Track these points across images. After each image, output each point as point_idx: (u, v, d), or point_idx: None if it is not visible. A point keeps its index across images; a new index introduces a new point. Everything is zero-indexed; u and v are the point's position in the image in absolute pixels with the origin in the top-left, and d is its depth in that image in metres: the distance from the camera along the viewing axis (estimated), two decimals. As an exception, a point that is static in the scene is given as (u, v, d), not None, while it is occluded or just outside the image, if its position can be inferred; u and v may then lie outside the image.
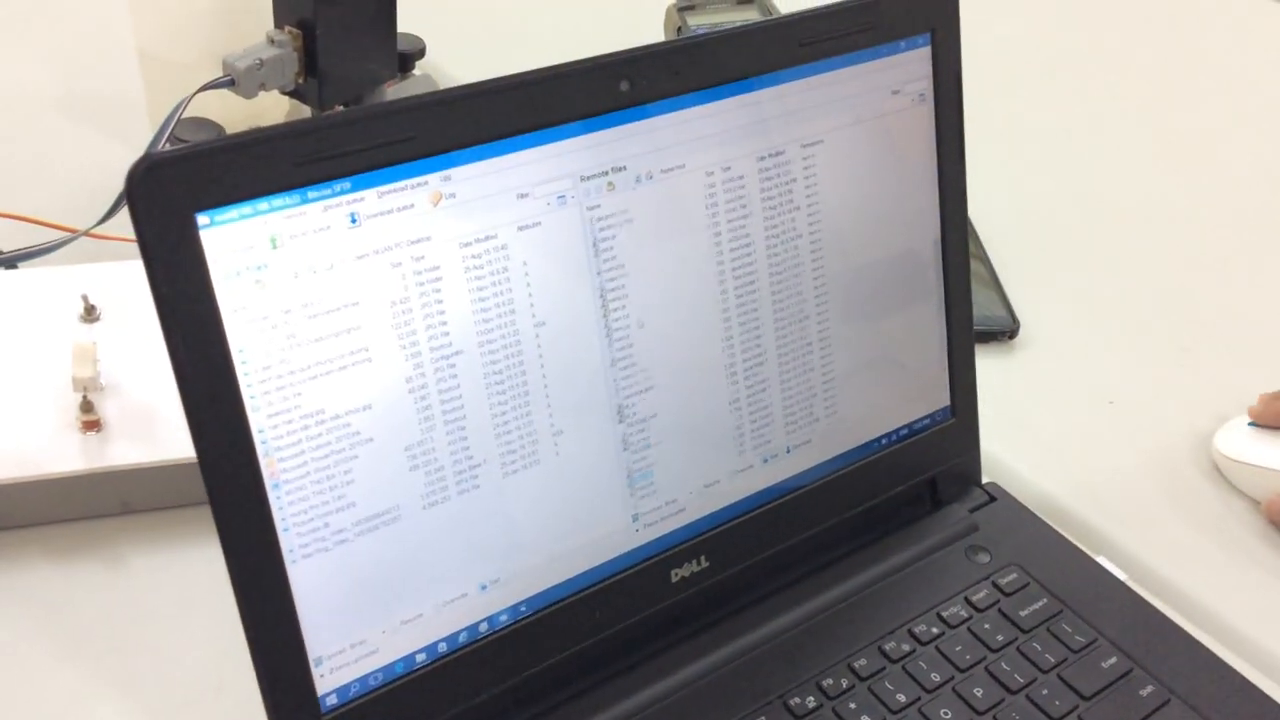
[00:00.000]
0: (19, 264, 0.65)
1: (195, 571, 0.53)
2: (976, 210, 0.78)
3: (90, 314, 0.59)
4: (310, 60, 0.70)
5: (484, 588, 0.45)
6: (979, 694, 0.48)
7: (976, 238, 0.77)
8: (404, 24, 0.76)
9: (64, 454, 0.54)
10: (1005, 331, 0.70)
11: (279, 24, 0.70)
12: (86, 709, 0.48)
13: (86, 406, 0.54)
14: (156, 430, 0.55)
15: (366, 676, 0.43)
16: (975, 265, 0.74)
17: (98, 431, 0.55)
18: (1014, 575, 0.53)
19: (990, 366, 0.68)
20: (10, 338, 0.58)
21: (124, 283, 0.61)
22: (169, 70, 0.74)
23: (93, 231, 0.64)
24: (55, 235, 0.65)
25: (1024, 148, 0.89)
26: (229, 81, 0.67)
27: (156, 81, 0.76)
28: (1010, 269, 0.74)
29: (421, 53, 0.79)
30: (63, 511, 0.54)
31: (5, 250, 0.65)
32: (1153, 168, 0.87)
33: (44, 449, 0.54)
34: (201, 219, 0.36)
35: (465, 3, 0.95)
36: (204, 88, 0.66)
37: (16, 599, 0.52)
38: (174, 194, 0.36)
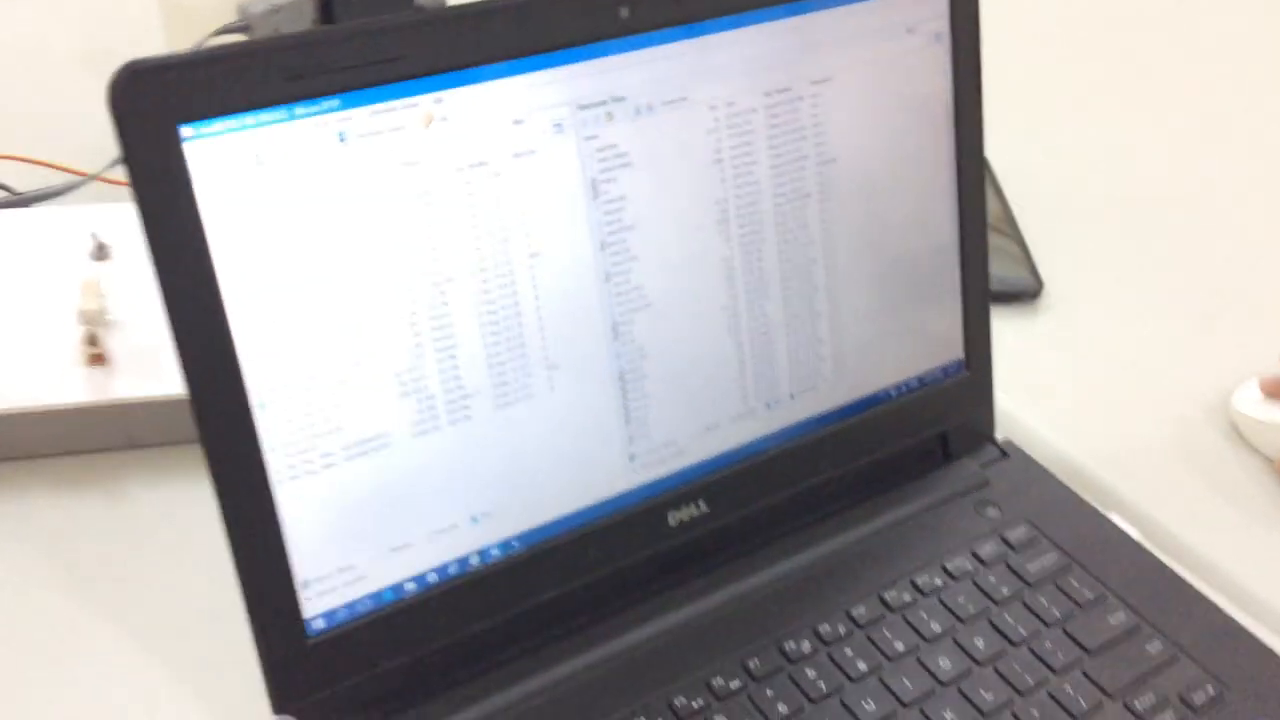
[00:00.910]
0: (33, 205, 0.65)
1: (197, 506, 0.53)
2: (1004, 168, 0.77)
3: (101, 252, 0.60)
4: (325, 6, 0.69)
5: (475, 520, 0.44)
6: (980, 644, 0.47)
7: (1003, 196, 0.75)
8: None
9: (68, 386, 0.54)
10: (1028, 292, 0.69)
11: (298, -30, 0.70)
12: (82, 637, 0.48)
13: (92, 340, 0.55)
14: (162, 365, 0.55)
15: (354, 603, 0.43)
16: (1000, 224, 0.73)
17: (103, 365, 0.55)
18: (1023, 530, 0.52)
19: (1012, 327, 0.66)
20: (22, 273, 0.58)
21: (135, 223, 0.61)
22: (189, 18, 0.74)
23: (103, 175, 0.64)
24: (70, 179, 0.65)
25: (1057, 105, 0.87)
26: (244, 27, 0.67)
27: (176, 29, 0.76)
28: (1036, 229, 0.72)
29: (442, 5, 0.78)
30: (67, 444, 0.55)
31: (21, 192, 0.66)
32: (1186, 131, 0.85)
33: (49, 381, 0.54)
34: (186, 130, 0.36)
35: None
36: (218, 32, 0.66)
37: (19, 529, 0.52)
38: (158, 104, 0.35)
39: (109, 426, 0.55)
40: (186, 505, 0.54)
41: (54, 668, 0.47)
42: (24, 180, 0.66)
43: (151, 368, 0.55)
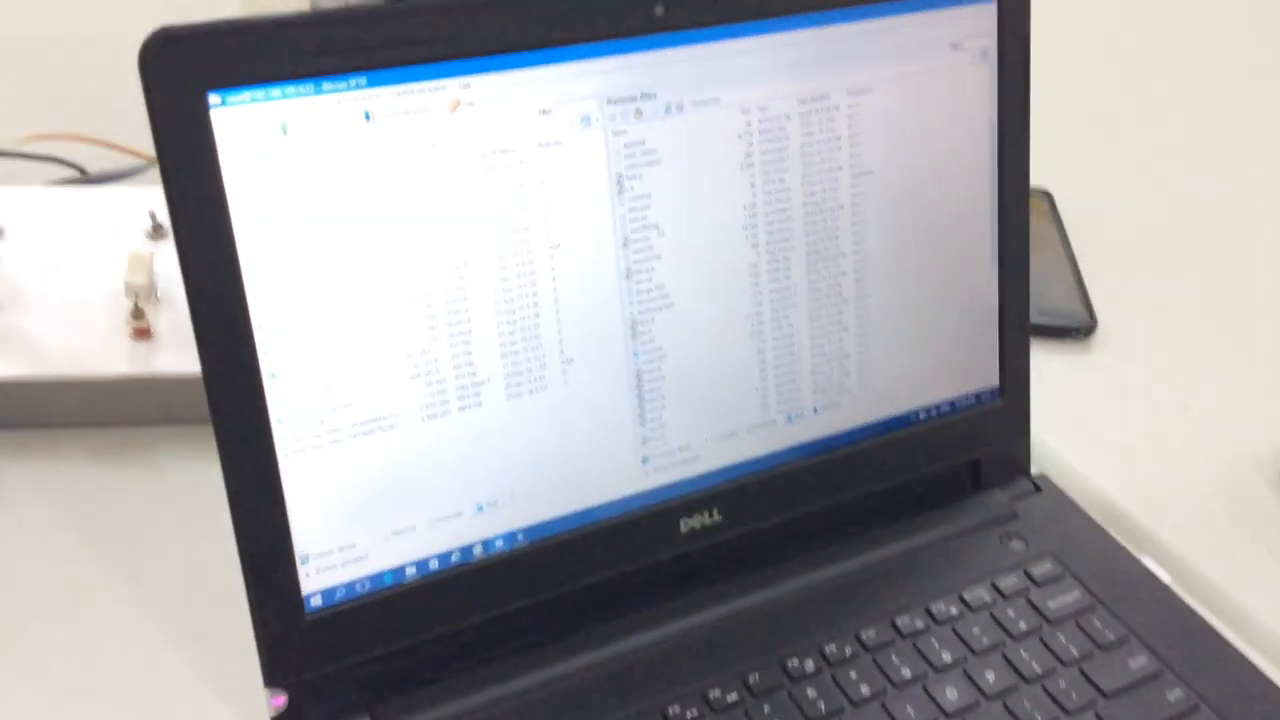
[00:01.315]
0: (101, 184, 0.68)
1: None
2: (1065, 197, 0.75)
3: (157, 231, 0.61)
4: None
5: (480, 509, 0.44)
6: (990, 678, 0.46)
7: (1061, 227, 0.74)
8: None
9: (111, 356, 0.55)
10: (1081, 328, 0.67)
11: (371, -28, 0.72)
12: (97, 601, 0.49)
13: (138, 314, 0.56)
14: (202, 343, 0.56)
15: (354, 582, 0.43)
16: (1056, 256, 0.71)
17: (148, 339, 0.56)
18: (1048, 566, 0.51)
19: (1062, 361, 0.65)
20: (80, 247, 0.60)
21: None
22: (268, 8, 0.76)
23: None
24: (137, 162, 0.67)
25: (1126, 134, 0.85)
26: (316, 22, 0.69)
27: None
28: (1094, 263, 0.70)
29: None
30: (106, 414, 0.56)
31: (90, 172, 0.68)
32: (1253, 168, 0.82)
33: (93, 350, 0.55)
34: (213, 98, 0.37)
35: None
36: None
37: (54, 495, 0.54)
38: (187, 70, 0.36)
39: (147, 400, 0.56)
40: (217, 482, 0.54)
41: (64, 625, 0.48)
42: (94, 161, 0.69)
43: (194, 345, 0.56)
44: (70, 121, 0.70)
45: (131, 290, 0.56)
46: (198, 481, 0.55)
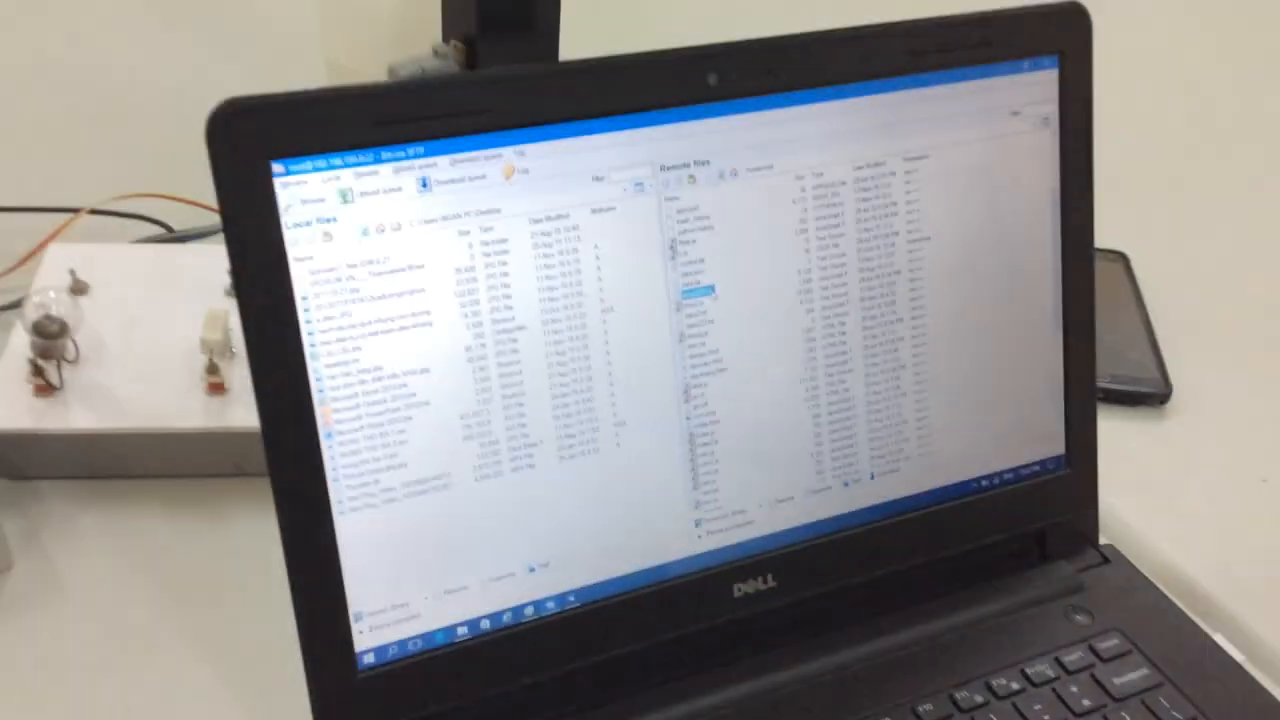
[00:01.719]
0: (187, 241, 0.70)
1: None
2: (1139, 259, 0.74)
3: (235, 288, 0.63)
4: (470, 68, 0.72)
5: (533, 570, 0.44)
6: (1049, 756, 0.45)
7: (1138, 292, 0.72)
8: (572, 53, 0.78)
9: (186, 411, 0.57)
10: (1156, 395, 0.65)
11: (446, 38, 0.74)
12: (164, 650, 0.50)
13: (212, 369, 0.58)
14: (272, 399, 0.57)
15: (406, 640, 0.43)
16: (1131, 319, 0.70)
17: (221, 394, 0.58)
18: (1115, 641, 0.49)
19: (1135, 429, 0.64)
20: (161, 303, 0.62)
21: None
22: (350, 78, 0.79)
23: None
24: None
25: (1202, 196, 0.84)
26: (393, 87, 0.71)
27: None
28: (1169, 326, 0.69)
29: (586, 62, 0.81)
30: (179, 467, 0.58)
31: (176, 229, 0.70)
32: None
33: (169, 404, 0.57)
34: (276, 167, 0.38)
35: (637, 34, 0.97)
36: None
37: (128, 543, 0.55)
38: (253, 139, 0.38)
39: (218, 453, 0.57)
40: (281, 534, 0.56)
41: (128, 671, 0.49)
42: (180, 218, 0.71)
43: (263, 400, 0.58)
44: (158, 180, 0.72)
45: (207, 346, 0.57)
46: (264, 533, 0.56)
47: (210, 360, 0.58)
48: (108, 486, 0.57)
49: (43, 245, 0.66)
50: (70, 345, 0.57)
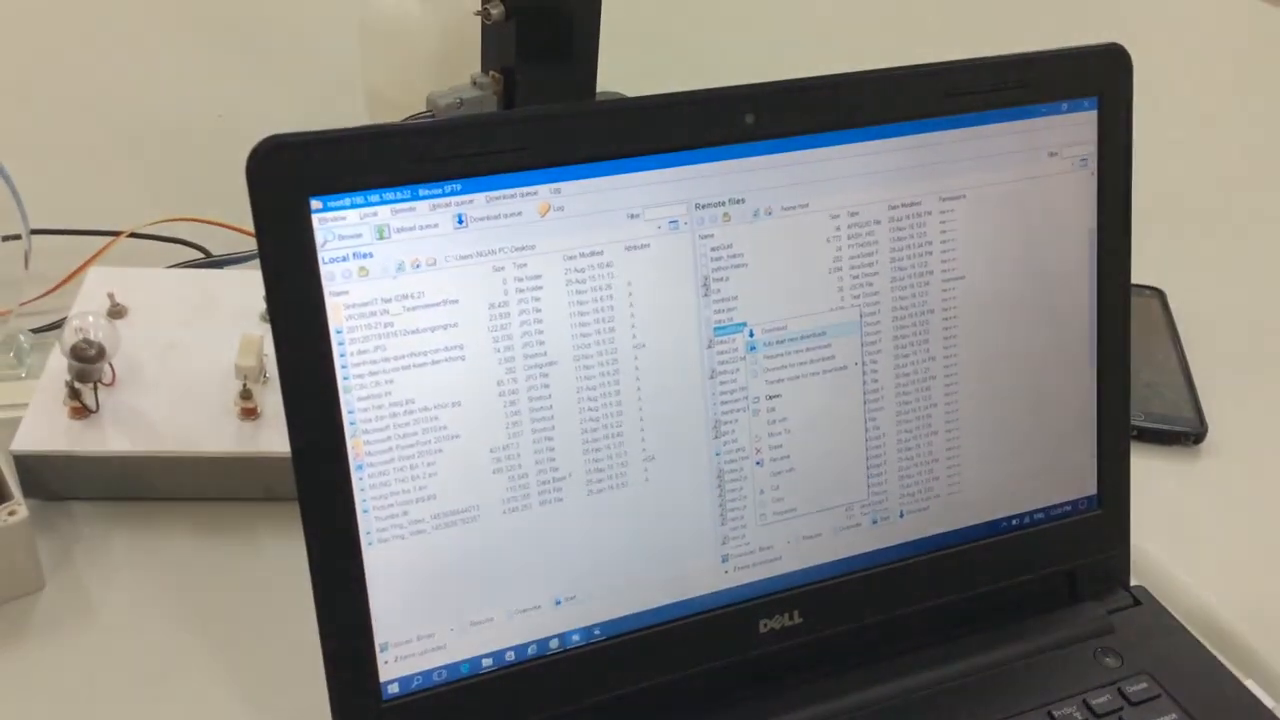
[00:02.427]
0: (225, 267, 0.71)
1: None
2: (1176, 296, 0.74)
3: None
4: (508, 104, 0.73)
5: (559, 603, 0.45)
6: (1077, 803, 0.44)
7: (1175, 330, 0.72)
8: (609, 84, 0.79)
9: (219, 435, 0.57)
10: (1190, 434, 0.65)
11: (485, 69, 0.74)
12: (192, 674, 0.51)
13: (246, 394, 0.58)
14: (304, 424, 0.58)
15: (431, 671, 0.43)
16: (1166, 357, 0.69)
17: (254, 420, 0.58)
18: (1144, 685, 0.49)
19: (1169, 469, 0.63)
20: (197, 327, 0.63)
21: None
22: (391, 108, 0.80)
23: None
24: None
25: (1240, 233, 0.83)
26: (429, 116, 0.72)
27: (379, 118, 0.81)
28: (1206, 364, 0.68)
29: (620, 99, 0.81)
30: (210, 490, 0.58)
31: (214, 254, 0.71)
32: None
33: (202, 428, 0.58)
34: (315, 203, 0.39)
35: (673, 67, 0.97)
36: (406, 120, 0.71)
37: (158, 566, 0.56)
38: (292, 175, 0.38)
39: (250, 477, 0.58)
40: (310, 559, 0.56)
41: (155, 695, 0.50)
42: (219, 243, 0.72)
43: (296, 426, 0.58)
44: (198, 204, 0.73)
45: (241, 372, 0.58)
46: (293, 557, 0.56)
47: (244, 385, 0.58)
48: (140, 508, 0.58)
49: (83, 268, 0.67)
50: (107, 369, 0.58)
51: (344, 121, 0.40)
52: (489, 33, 0.73)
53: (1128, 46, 0.49)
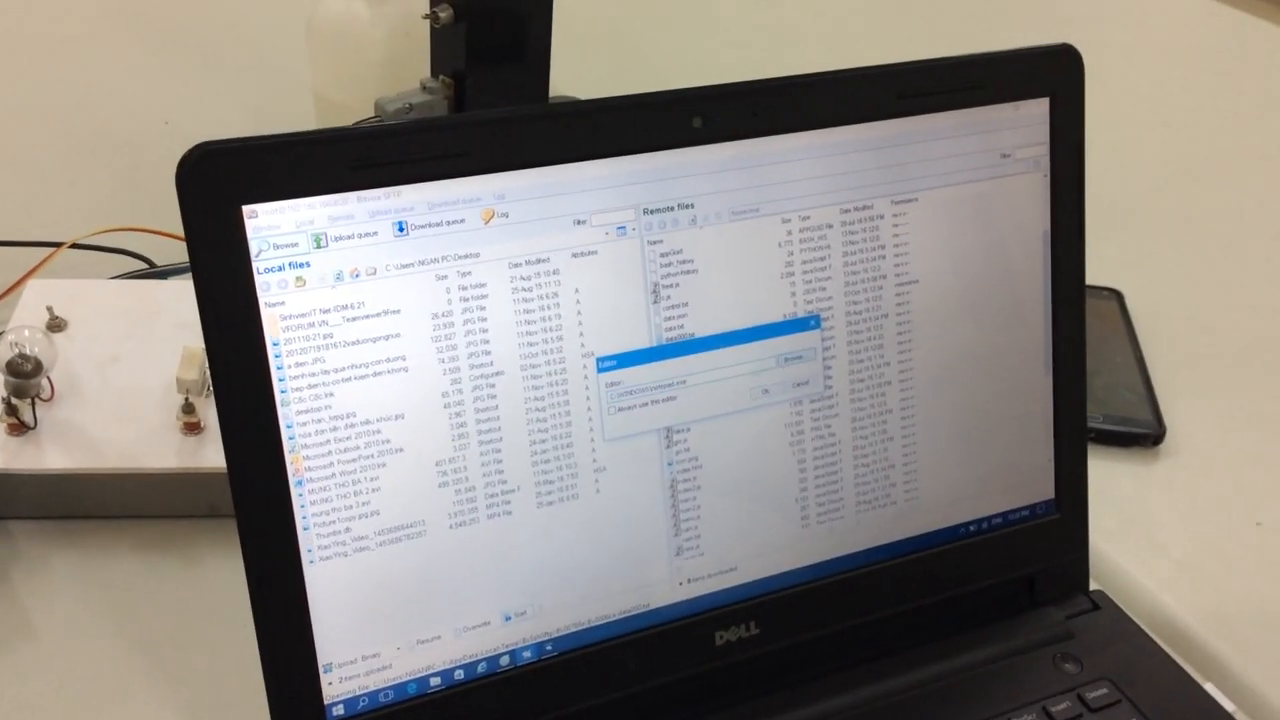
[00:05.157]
0: (170, 278, 0.69)
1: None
2: (1134, 297, 0.73)
3: (214, 325, 0.62)
4: (459, 109, 0.72)
5: (509, 619, 0.43)
6: (1038, 812, 0.44)
7: (1133, 332, 0.71)
8: (563, 89, 0.78)
9: (160, 451, 0.56)
10: (1148, 436, 0.64)
11: (435, 74, 0.73)
12: (132, 695, 0.49)
13: (188, 409, 0.57)
14: (250, 438, 0.56)
15: (377, 692, 0.42)
16: (1124, 359, 0.69)
17: (197, 434, 0.57)
18: (1104, 690, 0.48)
19: (1127, 471, 0.63)
20: (141, 340, 0.61)
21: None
22: (340, 113, 0.78)
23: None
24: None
25: (1198, 234, 0.83)
26: (377, 121, 0.70)
27: (328, 124, 0.80)
28: (1164, 365, 0.68)
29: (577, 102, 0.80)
30: (153, 507, 0.56)
31: (159, 265, 0.70)
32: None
33: (144, 444, 0.56)
34: (248, 210, 0.38)
35: (626, 72, 0.97)
36: (354, 125, 0.69)
37: (98, 585, 0.54)
38: (223, 183, 0.37)
39: (192, 494, 0.56)
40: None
41: (94, 715, 0.48)
42: (164, 254, 0.70)
43: (241, 439, 0.57)
44: (141, 214, 0.72)
45: (183, 385, 0.56)
46: (236, 576, 0.54)
47: (187, 399, 0.57)
48: (80, 526, 0.56)
49: (21, 281, 0.65)
50: (45, 384, 0.56)
51: (293, 128, 0.39)
52: (438, 36, 0.72)
53: (1081, 47, 0.48)
